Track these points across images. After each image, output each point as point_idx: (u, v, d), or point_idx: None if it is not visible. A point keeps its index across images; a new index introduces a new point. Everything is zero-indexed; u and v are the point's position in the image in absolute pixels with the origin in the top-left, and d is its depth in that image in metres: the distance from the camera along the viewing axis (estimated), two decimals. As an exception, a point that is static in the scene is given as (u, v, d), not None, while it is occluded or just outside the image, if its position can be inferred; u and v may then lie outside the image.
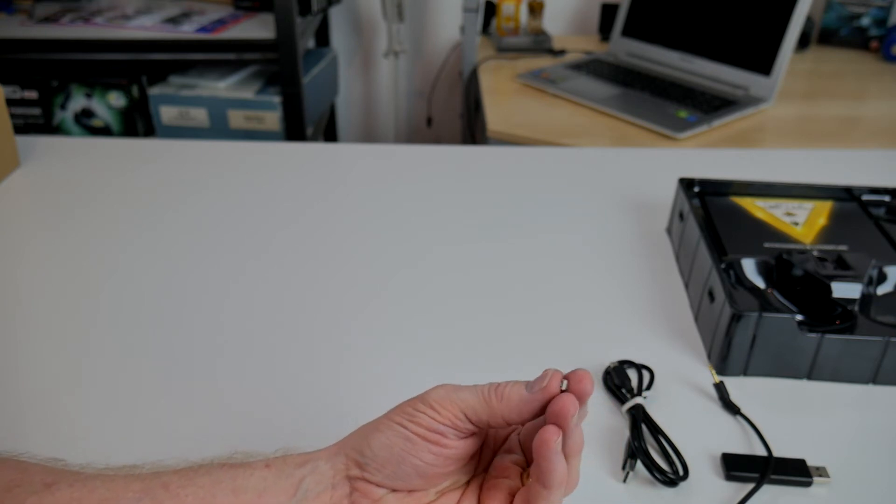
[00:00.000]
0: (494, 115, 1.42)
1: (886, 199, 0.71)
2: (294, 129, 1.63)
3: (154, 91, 1.66)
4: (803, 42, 1.75)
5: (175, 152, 0.94)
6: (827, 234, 0.65)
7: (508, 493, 0.38)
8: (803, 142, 1.31)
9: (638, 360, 0.57)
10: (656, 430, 0.50)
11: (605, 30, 1.85)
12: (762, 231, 0.66)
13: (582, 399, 0.36)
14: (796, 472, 0.48)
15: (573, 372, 0.36)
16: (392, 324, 0.63)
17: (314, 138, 1.74)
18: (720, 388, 0.55)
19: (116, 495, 0.34)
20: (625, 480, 0.48)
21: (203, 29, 1.60)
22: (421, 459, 0.36)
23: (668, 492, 0.47)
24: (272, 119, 1.64)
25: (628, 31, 1.65)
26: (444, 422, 0.36)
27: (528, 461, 0.39)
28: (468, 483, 0.39)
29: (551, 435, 0.35)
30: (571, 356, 0.59)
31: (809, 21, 1.75)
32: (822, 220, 0.68)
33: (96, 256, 0.72)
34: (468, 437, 0.37)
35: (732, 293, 0.56)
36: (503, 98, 1.51)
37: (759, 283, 0.60)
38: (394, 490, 0.37)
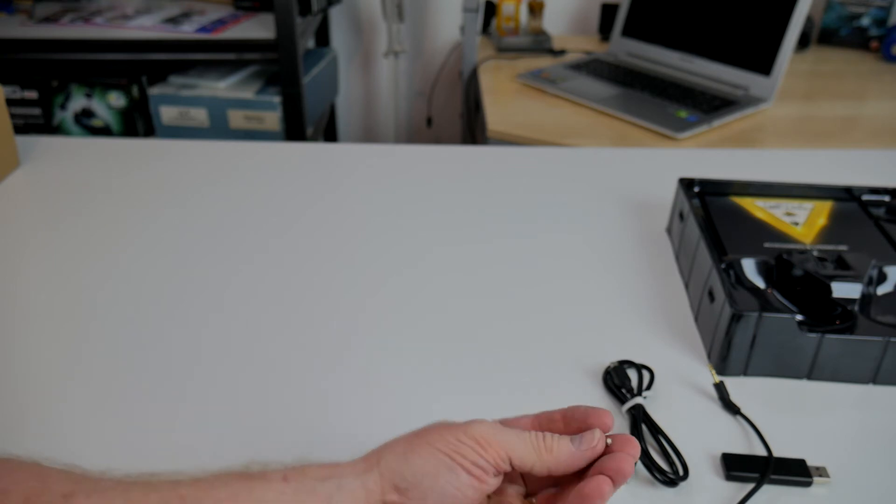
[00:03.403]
0: (494, 115, 1.42)
1: (886, 199, 0.71)
2: (294, 129, 1.63)
3: (154, 91, 1.66)
4: (803, 42, 1.75)
5: (175, 152, 0.94)
6: (827, 234, 0.65)
7: None
8: (803, 142, 1.31)
9: (638, 360, 0.57)
10: (656, 430, 0.50)
11: (605, 30, 1.85)
12: (762, 231, 0.66)
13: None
14: (796, 472, 0.48)
15: (620, 436, 0.38)
16: (392, 323, 0.63)
17: (314, 138, 1.74)
18: (720, 388, 0.55)
19: None
20: (625, 480, 0.48)
21: (203, 29, 1.60)
22: (463, 493, 0.36)
23: (668, 492, 0.47)
24: (272, 119, 1.64)
25: (628, 31, 1.65)
26: (489, 459, 0.36)
27: (528, 492, 0.41)
28: None
29: (609, 487, 0.36)
30: (571, 356, 0.59)
31: (809, 21, 1.75)
32: (822, 220, 0.68)
33: (96, 256, 0.72)
34: (500, 476, 0.38)
35: (732, 293, 0.56)
36: (503, 98, 1.51)
37: (759, 283, 0.60)
38: None
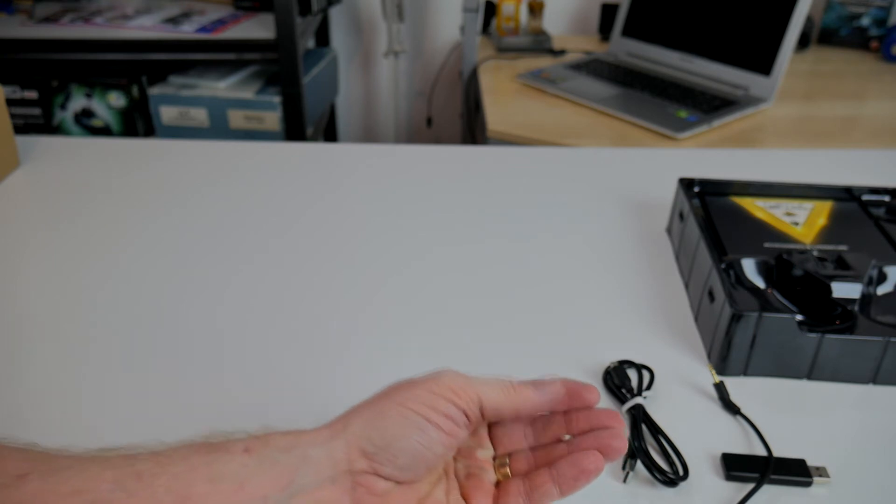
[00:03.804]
0: (494, 115, 1.42)
1: (886, 199, 0.71)
2: (294, 129, 1.63)
3: (154, 91, 1.66)
4: (803, 42, 1.75)
5: (175, 152, 0.94)
6: (827, 234, 0.65)
7: (491, 484, 0.40)
8: (803, 142, 1.31)
9: (638, 360, 0.57)
10: (656, 430, 0.50)
11: (605, 30, 1.86)
12: (762, 231, 0.66)
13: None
14: (796, 472, 0.48)
15: (605, 411, 0.40)
16: (392, 324, 0.63)
17: (314, 138, 1.74)
18: (720, 388, 0.55)
19: (88, 486, 0.32)
20: (625, 480, 0.48)
21: (203, 29, 1.60)
22: (432, 451, 0.36)
23: (668, 492, 0.47)
24: (272, 119, 1.64)
25: (628, 31, 1.65)
26: (461, 406, 0.36)
27: (497, 454, 0.41)
28: (445, 472, 0.40)
29: (603, 463, 0.37)
30: (572, 356, 0.59)
31: (809, 21, 1.75)
32: (822, 220, 0.68)
33: (96, 256, 0.72)
34: (469, 427, 0.38)
35: (732, 293, 0.56)
36: (503, 98, 1.51)
37: (759, 283, 0.60)
38: (398, 482, 0.36)
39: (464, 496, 0.39)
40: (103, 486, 0.32)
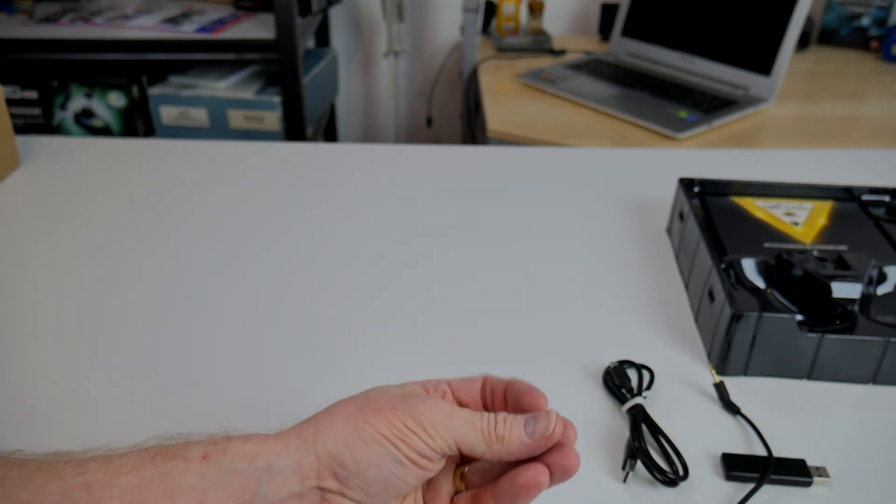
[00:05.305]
0: (494, 115, 1.42)
1: (886, 199, 0.71)
2: (294, 129, 1.63)
3: (154, 91, 1.66)
4: (803, 42, 1.75)
5: (175, 152, 0.94)
6: (827, 234, 0.65)
7: (448, 497, 0.38)
8: (803, 142, 1.31)
9: (638, 360, 0.57)
10: (656, 430, 0.50)
11: (605, 30, 1.86)
12: (762, 231, 0.66)
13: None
14: (796, 472, 0.48)
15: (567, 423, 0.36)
16: (391, 324, 0.63)
17: (314, 138, 1.74)
18: (720, 388, 0.55)
19: (33, 498, 0.30)
20: (625, 480, 0.48)
21: (203, 29, 1.61)
22: (406, 482, 0.34)
23: (668, 492, 0.47)
24: (272, 119, 1.64)
25: (628, 31, 1.65)
26: (436, 448, 0.34)
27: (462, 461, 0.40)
28: None
29: (545, 478, 0.34)
30: (571, 356, 0.59)
31: (809, 21, 1.75)
32: (822, 220, 0.68)
33: (96, 256, 0.72)
34: (445, 458, 0.36)
35: (732, 293, 0.56)
36: (503, 98, 1.51)
37: (759, 283, 0.60)
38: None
39: None
40: (49, 500, 0.30)
